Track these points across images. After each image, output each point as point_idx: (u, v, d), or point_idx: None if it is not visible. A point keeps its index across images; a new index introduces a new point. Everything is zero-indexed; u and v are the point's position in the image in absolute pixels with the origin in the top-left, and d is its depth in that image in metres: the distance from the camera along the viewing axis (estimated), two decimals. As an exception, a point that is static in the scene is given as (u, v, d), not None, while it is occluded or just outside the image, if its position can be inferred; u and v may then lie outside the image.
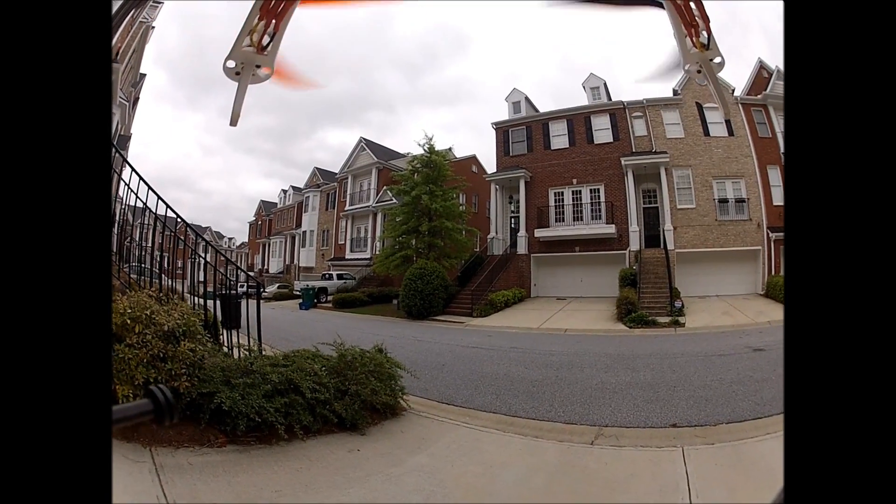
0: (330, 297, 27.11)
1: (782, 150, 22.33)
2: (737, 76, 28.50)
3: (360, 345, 11.40)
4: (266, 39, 2.80)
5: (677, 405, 6.42)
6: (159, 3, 12.87)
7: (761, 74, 24.57)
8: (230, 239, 78.66)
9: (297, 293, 29.13)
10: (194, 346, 3.97)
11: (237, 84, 2.95)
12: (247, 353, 4.82)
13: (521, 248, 24.59)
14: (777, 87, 23.18)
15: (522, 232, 24.79)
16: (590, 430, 5.61)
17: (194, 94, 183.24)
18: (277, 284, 37.58)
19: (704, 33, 2.86)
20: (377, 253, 28.58)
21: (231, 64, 2.86)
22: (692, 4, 2.81)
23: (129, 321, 3.48)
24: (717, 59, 2.97)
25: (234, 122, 3.05)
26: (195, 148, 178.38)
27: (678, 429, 5.62)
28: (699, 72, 3.06)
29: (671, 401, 6.60)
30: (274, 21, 2.76)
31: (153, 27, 13.71)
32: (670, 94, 24.35)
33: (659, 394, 6.93)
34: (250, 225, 63.78)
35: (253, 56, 2.84)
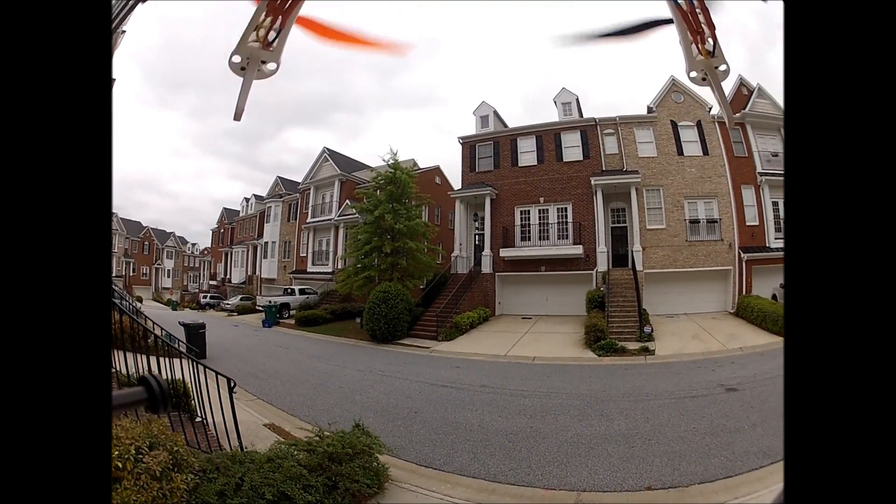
0: (292, 313, 28.36)
1: (759, 169, 23.46)
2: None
3: (328, 381, 11.60)
4: (272, 35, 2.98)
5: (652, 462, 6.89)
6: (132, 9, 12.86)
7: (741, 92, 25.38)
8: (193, 245, 79.19)
9: (260, 308, 30.29)
10: (186, 476, 4.26)
11: (242, 79, 3.12)
12: (229, 459, 5.02)
13: (486, 268, 25.10)
14: (757, 105, 24.14)
15: (487, 251, 25.33)
16: (569, 496, 6.05)
17: (165, 94, 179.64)
18: (240, 296, 39.56)
19: (710, 41, 3.06)
20: (339, 269, 29.26)
21: (237, 59, 3.05)
22: (699, 12, 3.02)
23: (118, 464, 3.72)
24: (723, 67, 3.18)
25: (237, 117, 3.29)
26: (164, 149, 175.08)
27: (653, 492, 6.11)
28: (704, 79, 3.27)
29: (646, 458, 7.06)
30: (280, 17, 2.94)
31: (124, 31, 13.58)
32: (644, 112, 25.14)
33: (634, 450, 7.39)
34: (213, 232, 64.40)
35: (259, 52, 3.03)
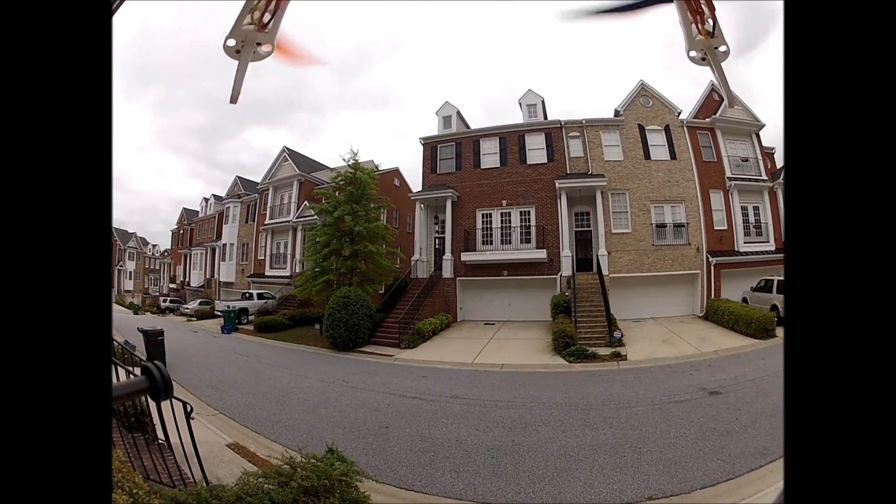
0: (251, 318, 28.42)
1: (728, 174, 24.04)
2: (683, 98, 30.04)
3: (291, 393, 11.16)
4: (267, 17, 2.98)
5: (647, 472, 6.69)
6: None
7: (712, 97, 25.91)
8: (154, 246, 78.34)
9: (219, 313, 30.31)
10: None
11: (237, 62, 3.13)
12: (194, 498, 4.48)
13: (447, 272, 24.86)
14: (728, 111, 24.53)
15: (448, 255, 25.13)
16: (567, 513, 5.74)
17: (132, 87, 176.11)
18: (199, 300, 40.11)
19: (710, 21, 3.03)
20: (297, 273, 29.08)
21: (231, 42, 3.05)
22: None
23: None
24: (723, 48, 3.15)
25: (234, 100, 3.28)
26: (128, 145, 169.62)
27: (655, 501, 5.93)
28: (703, 59, 3.23)
29: (640, 466, 6.86)
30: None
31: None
32: (611, 115, 25.33)
33: (626, 459, 7.16)
34: (172, 233, 63.82)
35: (254, 34, 3.05)
